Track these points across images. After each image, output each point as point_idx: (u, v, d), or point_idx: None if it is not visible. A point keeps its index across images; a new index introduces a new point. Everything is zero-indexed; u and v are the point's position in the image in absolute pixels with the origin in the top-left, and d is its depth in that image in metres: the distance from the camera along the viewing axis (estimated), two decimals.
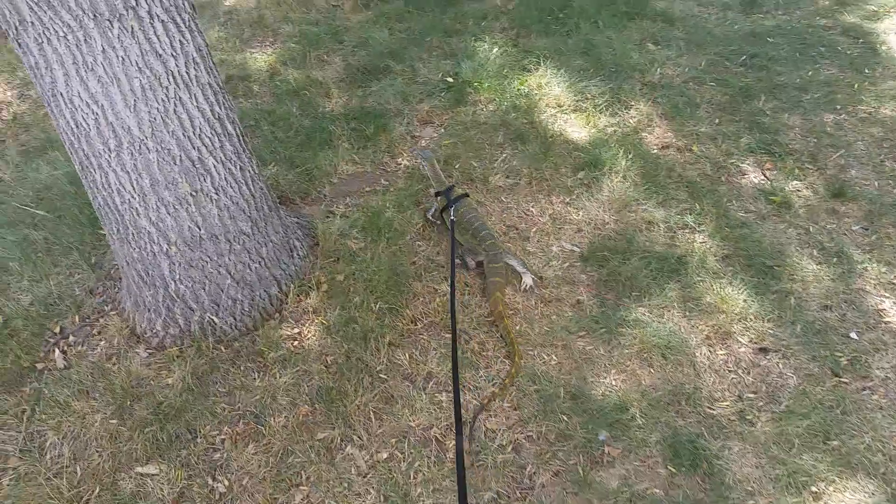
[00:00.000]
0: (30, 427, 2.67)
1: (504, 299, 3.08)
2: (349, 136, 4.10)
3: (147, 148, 2.35)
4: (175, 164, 2.43)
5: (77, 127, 2.31)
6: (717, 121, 4.20)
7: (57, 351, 2.91)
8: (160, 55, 2.22)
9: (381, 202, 3.59)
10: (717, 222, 3.49)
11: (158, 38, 2.19)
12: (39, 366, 2.87)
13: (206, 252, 2.67)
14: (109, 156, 2.36)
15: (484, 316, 3.07)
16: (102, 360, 2.86)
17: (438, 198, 3.53)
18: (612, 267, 3.26)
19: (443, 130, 4.20)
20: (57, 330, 3.02)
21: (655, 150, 3.98)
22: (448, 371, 2.83)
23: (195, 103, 2.39)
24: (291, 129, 4.15)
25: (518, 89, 4.45)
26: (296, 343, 2.90)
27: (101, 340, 2.96)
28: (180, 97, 2.33)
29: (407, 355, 2.88)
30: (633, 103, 4.32)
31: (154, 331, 2.86)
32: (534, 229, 3.51)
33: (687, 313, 3.06)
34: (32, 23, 2.03)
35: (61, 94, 2.23)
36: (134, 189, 2.44)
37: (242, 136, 2.72)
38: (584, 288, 3.20)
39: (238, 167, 2.65)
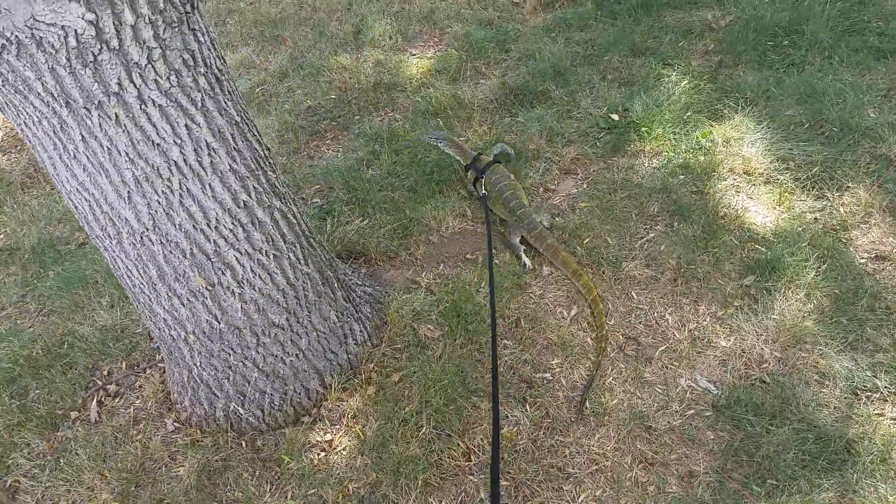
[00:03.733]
0: (49, 482, 2.54)
1: (571, 257, 2.98)
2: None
3: (150, 240, 1.99)
4: (185, 257, 2.04)
5: (76, 209, 2.01)
6: None
7: (95, 400, 2.76)
8: (157, 144, 1.81)
9: (475, 279, 2.99)
10: None
11: (154, 126, 1.77)
12: (74, 414, 2.74)
13: (227, 344, 2.30)
14: (111, 242, 2.03)
15: (555, 466, 2.40)
16: (129, 424, 2.65)
17: (469, 172, 3.35)
18: (750, 433, 2.40)
19: (585, 186, 3.44)
20: (106, 372, 2.88)
21: (864, 261, 2.91)
22: None
23: (210, 193, 1.96)
24: (413, 162, 3.64)
25: (697, 142, 3.53)
26: (322, 455, 2.46)
27: (137, 398, 2.76)
28: (188, 188, 1.92)
29: None
30: (850, 184, 3.20)
31: (182, 405, 2.59)
32: (661, 348, 2.72)
33: None
34: (6, 104, 1.72)
35: (52, 175, 1.93)
36: (142, 277, 2.11)
37: (286, 217, 2.26)
38: (704, 455, 2.39)
39: (271, 256, 2.21)
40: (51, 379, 2.84)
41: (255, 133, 2.11)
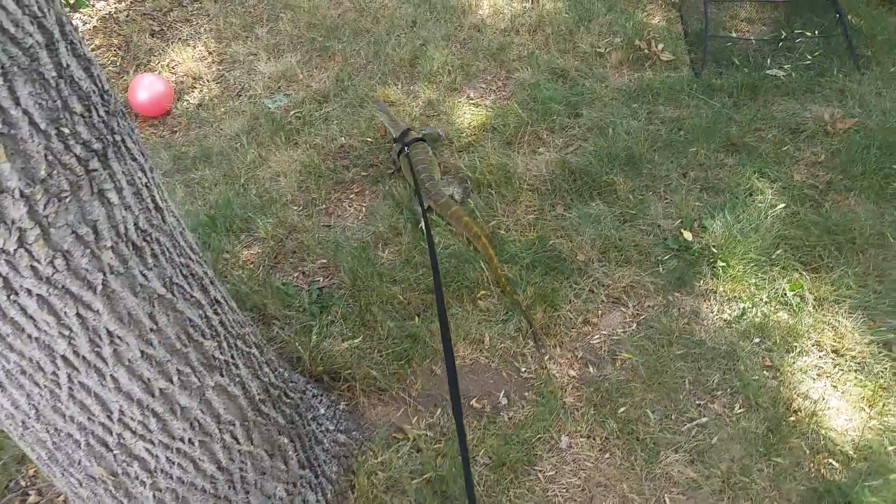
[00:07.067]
0: None
1: (471, 220, 3.14)
2: (495, 292, 2.94)
3: (34, 427, 1.53)
4: (79, 448, 1.58)
5: None
6: None
7: None
8: (36, 338, 1.33)
9: (475, 441, 2.46)
10: None
11: (31, 317, 1.29)
12: None
13: None
14: None
15: None
16: None
17: (395, 144, 3.57)
18: None
19: (634, 327, 2.84)
20: (31, 473, 2.48)
21: None
22: None
23: (111, 385, 1.48)
24: (439, 250, 3.09)
25: (783, 294, 2.88)
26: None
27: None
28: (80, 382, 1.44)
29: None
30: None
31: None
32: None
33: None
34: None
35: None
36: (32, 453, 1.67)
37: (226, 390, 1.76)
38: None
39: (196, 443, 1.73)
40: None
41: (197, 292, 1.61)
